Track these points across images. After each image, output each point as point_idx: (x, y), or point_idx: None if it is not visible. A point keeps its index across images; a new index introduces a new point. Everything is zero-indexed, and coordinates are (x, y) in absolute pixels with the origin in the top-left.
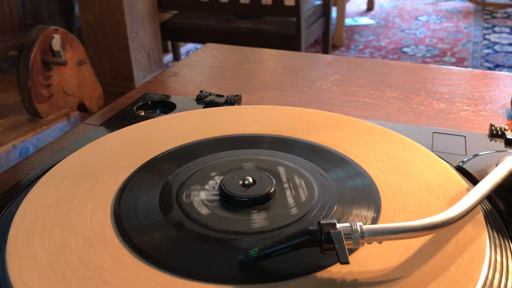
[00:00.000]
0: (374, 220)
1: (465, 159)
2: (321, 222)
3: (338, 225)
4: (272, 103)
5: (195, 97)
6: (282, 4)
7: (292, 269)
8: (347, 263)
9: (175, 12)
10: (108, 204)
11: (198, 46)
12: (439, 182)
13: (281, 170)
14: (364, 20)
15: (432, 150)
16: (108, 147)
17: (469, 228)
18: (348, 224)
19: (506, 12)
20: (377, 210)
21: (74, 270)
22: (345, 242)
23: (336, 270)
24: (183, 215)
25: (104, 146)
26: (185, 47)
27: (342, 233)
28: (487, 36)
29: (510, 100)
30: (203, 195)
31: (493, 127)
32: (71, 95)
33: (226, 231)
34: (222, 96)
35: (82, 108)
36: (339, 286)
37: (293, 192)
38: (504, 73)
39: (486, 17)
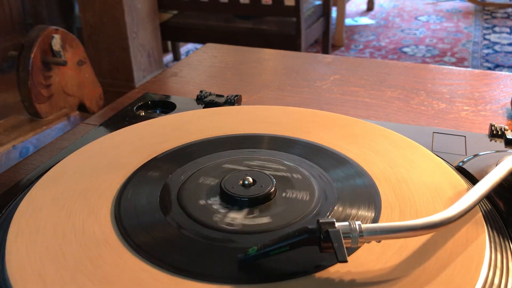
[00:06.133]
0: (374, 220)
1: (465, 159)
2: (320, 221)
3: (336, 224)
4: (272, 103)
5: (195, 97)
6: (282, 4)
7: (291, 269)
8: (345, 261)
9: (175, 12)
10: (108, 204)
11: (198, 46)
12: (439, 182)
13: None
14: (364, 20)
15: (432, 150)
16: (108, 147)
17: (469, 228)
18: (346, 223)
19: (506, 12)
20: (377, 209)
21: (74, 269)
22: (343, 241)
23: (335, 270)
24: (183, 214)
25: (104, 146)
26: (185, 47)
27: (340, 232)
28: (487, 36)
29: (510, 100)
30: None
31: (493, 127)
32: (71, 95)
33: (226, 231)
34: (222, 96)
35: (82, 108)
36: (338, 286)
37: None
38: (504, 73)
39: (486, 17)
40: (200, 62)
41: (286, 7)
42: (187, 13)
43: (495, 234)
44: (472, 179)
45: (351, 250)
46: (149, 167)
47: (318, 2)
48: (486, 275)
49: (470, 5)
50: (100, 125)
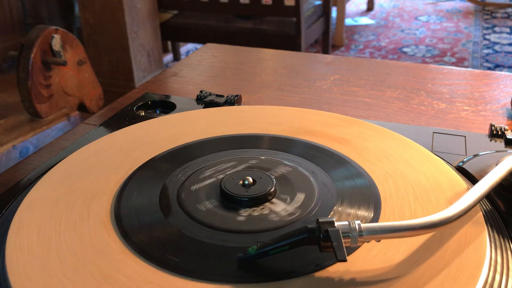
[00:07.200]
0: (373, 220)
1: (465, 159)
2: (320, 220)
3: (336, 223)
4: (272, 103)
5: (195, 97)
6: (282, 4)
7: (291, 268)
8: (345, 261)
9: (175, 12)
10: (108, 204)
11: (198, 46)
12: (439, 182)
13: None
14: (364, 20)
15: (432, 150)
16: (108, 147)
17: (469, 228)
18: (346, 223)
19: (506, 12)
20: (377, 209)
21: (73, 270)
22: (343, 240)
23: (334, 269)
24: (183, 214)
25: (104, 146)
26: (185, 47)
27: (340, 231)
28: (487, 36)
29: (510, 100)
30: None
31: (493, 127)
32: (71, 95)
33: (226, 231)
34: (222, 96)
35: (82, 108)
36: (338, 285)
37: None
38: (504, 73)
39: (486, 17)
40: (200, 62)
41: (286, 7)
42: (187, 13)
43: (495, 234)
44: (472, 179)
45: (351, 250)
46: (149, 167)
47: (318, 2)
48: (486, 275)
49: (470, 5)
50: (100, 125)
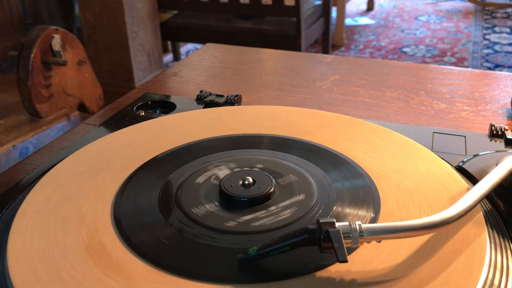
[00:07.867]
0: (373, 220)
1: (465, 159)
2: (320, 221)
3: (337, 224)
4: (272, 103)
5: (195, 97)
6: (282, 4)
7: (292, 268)
8: (346, 261)
9: (175, 12)
10: (108, 204)
11: (198, 46)
12: (439, 182)
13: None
14: (364, 20)
15: (432, 150)
16: (108, 147)
17: (469, 228)
18: (347, 223)
19: (506, 12)
20: (376, 209)
21: (73, 269)
22: (343, 241)
23: (335, 269)
24: (183, 215)
25: (104, 146)
26: (185, 47)
27: (341, 232)
28: (487, 36)
29: (510, 100)
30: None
31: (493, 127)
32: (71, 95)
33: (226, 231)
34: (222, 96)
35: (82, 108)
36: (338, 286)
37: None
38: (504, 73)
39: (486, 17)
40: (200, 62)
41: (286, 7)
42: (187, 13)
43: (495, 234)
44: (472, 179)
45: (351, 250)
46: (149, 167)
47: (318, 2)
48: (486, 275)
49: (470, 5)
50: (100, 125)
